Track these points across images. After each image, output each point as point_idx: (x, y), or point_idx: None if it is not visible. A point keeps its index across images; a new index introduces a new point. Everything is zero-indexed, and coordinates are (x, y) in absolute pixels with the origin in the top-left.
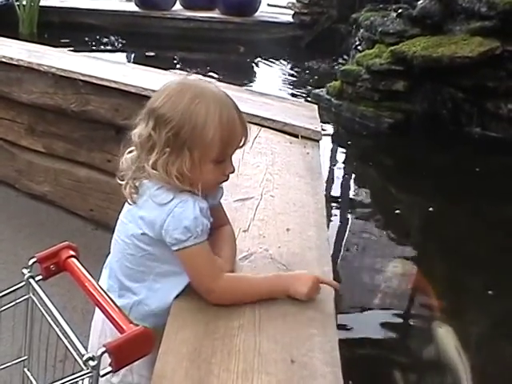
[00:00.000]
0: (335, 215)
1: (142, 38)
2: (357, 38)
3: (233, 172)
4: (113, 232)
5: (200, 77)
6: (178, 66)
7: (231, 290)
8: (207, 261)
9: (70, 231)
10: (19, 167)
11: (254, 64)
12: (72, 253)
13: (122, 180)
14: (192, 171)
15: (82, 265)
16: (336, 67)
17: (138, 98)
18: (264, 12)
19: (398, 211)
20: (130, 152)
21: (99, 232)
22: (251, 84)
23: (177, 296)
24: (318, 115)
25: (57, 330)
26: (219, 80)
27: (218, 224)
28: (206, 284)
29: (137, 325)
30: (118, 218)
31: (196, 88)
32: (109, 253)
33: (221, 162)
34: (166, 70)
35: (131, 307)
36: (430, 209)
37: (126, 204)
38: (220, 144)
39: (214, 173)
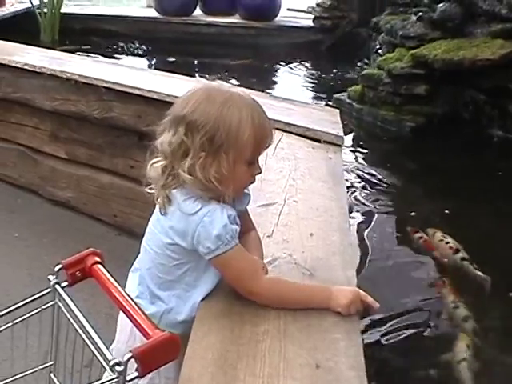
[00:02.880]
0: (357, 219)
1: (162, 44)
2: (377, 42)
3: (260, 173)
4: (137, 237)
5: (222, 82)
6: (198, 71)
7: (273, 290)
8: (244, 262)
9: (93, 237)
10: (42, 174)
11: (274, 69)
12: (97, 259)
13: (151, 189)
14: (228, 173)
15: (108, 271)
16: (357, 71)
17: (160, 104)
18: (284, 16)
19: (419, 214)
20: (158, 161)
21: (122, 237)
22: (272, 89)
23: (202, 299)
24: (339, 120)
25: (83, 335)
26: (240, 85)
27: (244, 229)
28: (248, 285)
29: (163, 330)
30: (143, 225)
31: (224, 93)
32: (135, 257)
33: (251, 163)
34: (187, 75)
35: (161, 315)
36: (451, 211)
37: (155, 212)
38: (253, 145)
39: (246, 174)
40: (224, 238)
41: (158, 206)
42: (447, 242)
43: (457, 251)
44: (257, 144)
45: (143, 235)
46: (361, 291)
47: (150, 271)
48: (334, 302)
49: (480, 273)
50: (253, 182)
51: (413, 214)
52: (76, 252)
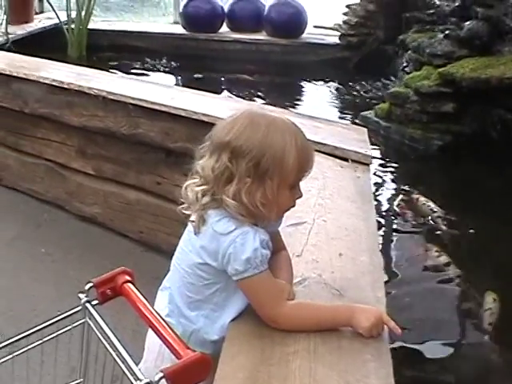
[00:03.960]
0: (385, 238)
1: (189, 60)
2: (404, 60)
3: (300, 197)
4: (163, 254)
5: (256, 104)
6: (225, 88)
7: (295, 317)
8: (268, 289)
9: (119, 253)
10: (69, 189)
11: (300, 86)
12: (128, 278)
13: (187, 210)
14: (273, 197)
15: (138, 290)
16: (383, 89)
17: (188, 121)
18: (310, 34)
19: (445, 232)
20: (198, 185)
21: (149, 254)
22: (298, 106)
23: (233, 319)
24: (367, 139)
25: (113, 353)
26: (266, 103)
27: (275, 250)
28: (269, 312)
29: (194, 350)
30: (169, 241)
31: (266, 118)
32: (162, 273)
33: (294, 187)
34: (214, 92)
35: (190, 335)
36: (477, 230)
37: (187, 232)
38: (297, 169)
39: (288, 198)
40: (253, 262)
41: (189, 226)
42: (428, 205)
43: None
44: (300, 168)
45: (169, 252)
46: (384, 314)
47: (179, 290)
48: (356, 324)
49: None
50: (293, 205)
51: (438, 232)
52: (102, 268)
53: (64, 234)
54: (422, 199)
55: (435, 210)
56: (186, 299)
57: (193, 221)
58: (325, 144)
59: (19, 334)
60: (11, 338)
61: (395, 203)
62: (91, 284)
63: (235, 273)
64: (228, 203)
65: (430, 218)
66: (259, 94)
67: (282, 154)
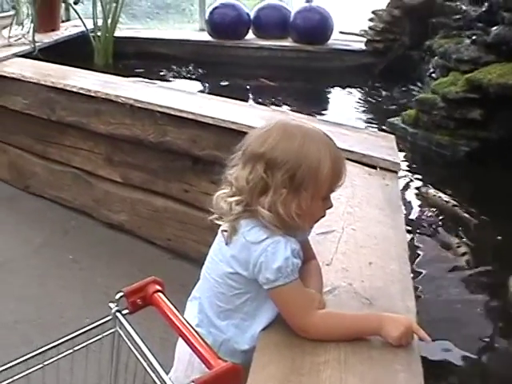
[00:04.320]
0: (413, 246)
1: (215, 67)
2: (431, 66)
3: (331, 207)
4: (191, 261)
5: (286, 112)
6: (251, 95)
7: (324, 327)
8: (298, 299)
9: (146, 260)
10: (97, 196)
11: (326, 92)
12: (158, 287)
13: (218, 220)
14: (307, 208)
15: (169, 299)
16: (410, 95)
17: (215, 129)
18: (336, 40)
19: (474, 239)
20: (230, 196)
21: (176, 261)
22: (324, 112)
23: (263, 329)
24: (395, 146)
25: (143, 363)
26: (292, 109)
27: (305, 259)
28: (299, 322)
29: (225, 360)
30: (197, 248)
31: (301, 128)
32: (189, 280)
33: (326, 197)
34: (240, 99)
35: (220, 345)
36: (507, 236)
37: (217, 241)
38: (331, 180)
39: (320, 209)
40: (284, 271)
41: (219, 235)
42: (439, 196)
43: (447, 202)
44: (334, 180)
45: (197, 259)
46: (414, 323)
47: (209, 300)
48: (385, 333)
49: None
50: (324, 215)
51: (464, 238)
52: (130, 275)
53: (91, 242)
54: (451, 203)
55: (464, 214)
56: (216, 309)
57: (224, 230)
58: (353, 151)
59: (50, 343)
60: (41, 346)
61: (422, 209)
62: (121, 293)
63: (266, 282)
64: (263, 214)
65: (457, 222)
66: (285, 100)
67: (317, 166)
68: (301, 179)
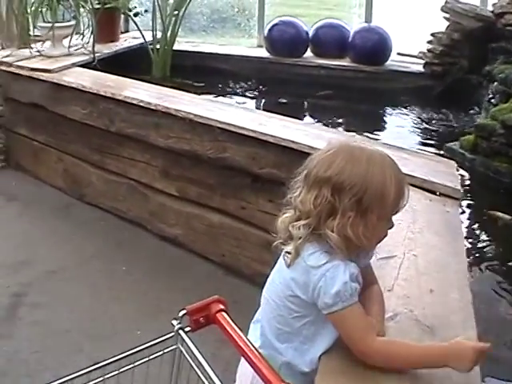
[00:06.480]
0: (474, 275)
1: (273, 85)
2: (490, 91)
3: (392, 227)
4: (244, 278)
5: (348, 135)
6: (309, 113)
7: (385, 353)
8: (358, 323)
9: (199, 275)
10: (152, 209)
11: (383, 114)
12: (222, 306)
13: (284, 244)
14: (373, 229)
15: (232, 319)
16: (467, 119)
17: (275, 147)
18: (394, 61)
19: None
20: (296, 219)
21: (229, 277)
22: (381, 134)
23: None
24: (456, 172)
25: (205, 381)
26: (348, 130)
27: (367, 283)
28: (359, 346)
29: (287, 383)
30: (251, 266)
31: (365, 152)
32: (245, 299)
33: (390, 218)
34: (297, 118)
35: (279, 367)
36: None
37: (278, 263)
38: (395, 202)
39: (384, 230)
40: (343, 295)
41: (281, 258)
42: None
43: None
44: (398, 201)
45: (250, 276)
46: (475, 346)
47: (269, 322)
48: (455, 365)
49: None
50: (386, 235)
51: None
52: (183, 289)
53: (145, 254)
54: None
55: None
56: (275, 331)
57: (288, 252)
58: (414, 176)
59: (111, 357)
60: (103, 360)
61: (481, 237)
62: (184, 311)
63: (325, 306)
64: (331, 237)
65: None
66: (342, 120)
67: (383, 188)
68: (367, 202)
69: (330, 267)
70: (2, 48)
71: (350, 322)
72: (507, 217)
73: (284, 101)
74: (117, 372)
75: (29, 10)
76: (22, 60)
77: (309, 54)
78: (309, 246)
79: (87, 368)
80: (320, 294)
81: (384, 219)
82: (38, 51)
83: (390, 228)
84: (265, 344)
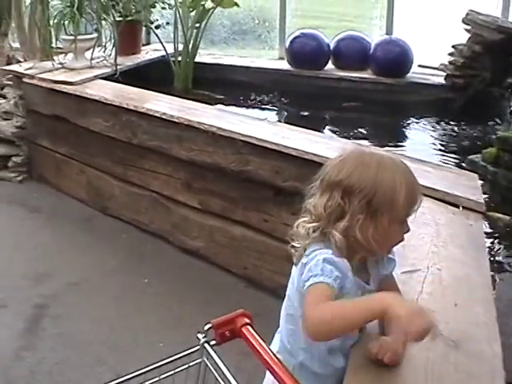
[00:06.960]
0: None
1: (295, 97)
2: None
3: (409, 231)
4: (266, 291)
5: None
6: (330, 126)
7: (321, 314)
8: (315, 299)
9: (221, 287)
10: (174, 221)
11: (404, 126)
12: (247, 320)
13: (293, 247)
14: (384, 232)
15: (257, 333)
16: (489, 132)
17: (298, 161)
18: (415, 73)
19: None
20: (309, 222)
21: (251, 290)
22: (402, 146)
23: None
24: (479, 185)
25: None
26: (370, 142)
27: None
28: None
29: None
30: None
31: (375, 156)
32: (269, 315)
33: (403, 222)
34: (320, 131)
35: (293, 369)
36: None
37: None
38: (407, 205)
39: (398, 233)
40: (313, 269)
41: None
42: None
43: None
44: (409, 204)
45: (272, 289)
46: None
47: (284, 325)
48: (392, 311)
49: None
50: (402, 240)
51: None
52: (205, 302)
53: (167, 266)
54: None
55: None
56: (286, 332)
57: (296, 251)
58: (436, 189)
59: (137, 370)
60: (128, 374)
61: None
62: (210, 325)
63: (303, 285)
64: (335, 237)
65: None
66: (363, 132)
67: (393, 192)
68: (377, 205)
69: (317, 254)
70: (25, 60)
71: (309, 298)
72: (507, 217)
73: (305, 113)
74: None
75: (51, 23)
76: (44, 72)
77: (330, 66)
78: (314, 244)
79: (112, 381)
80: (304, 278)
81: (396, 223)
82: (61, 63)
83: (406, 232)
84: (281, 349)
